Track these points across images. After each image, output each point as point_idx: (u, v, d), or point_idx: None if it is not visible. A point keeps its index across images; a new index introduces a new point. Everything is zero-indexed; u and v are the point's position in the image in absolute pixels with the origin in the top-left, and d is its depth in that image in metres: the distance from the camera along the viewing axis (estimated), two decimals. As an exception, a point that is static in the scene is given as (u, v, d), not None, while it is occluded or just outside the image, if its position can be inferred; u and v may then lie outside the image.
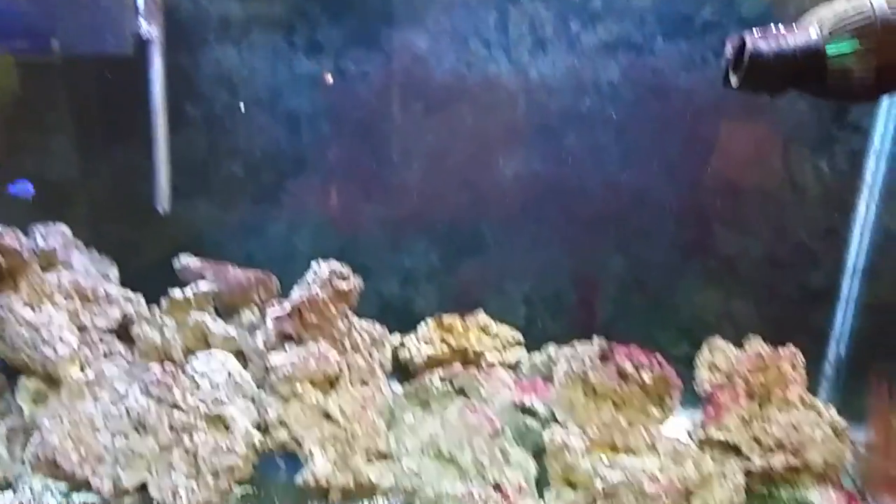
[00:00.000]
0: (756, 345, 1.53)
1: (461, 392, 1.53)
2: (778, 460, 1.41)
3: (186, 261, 1.60)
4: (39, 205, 1.65)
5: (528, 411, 1.50)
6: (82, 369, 1.42)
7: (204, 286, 1.49)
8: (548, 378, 1.58)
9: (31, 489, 1.37)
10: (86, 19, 1.49)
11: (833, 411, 1.49)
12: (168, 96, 1.63)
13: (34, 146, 1.71)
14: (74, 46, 1.51)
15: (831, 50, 1.05)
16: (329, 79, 1.71)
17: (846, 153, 1.66)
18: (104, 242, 1.68)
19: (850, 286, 1.71)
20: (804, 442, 1.42)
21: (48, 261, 1.53)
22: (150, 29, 1.58)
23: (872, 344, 1.67)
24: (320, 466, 1.37)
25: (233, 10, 1.67)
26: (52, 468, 1.37)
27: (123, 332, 1.52)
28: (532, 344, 1.73)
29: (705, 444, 1.44)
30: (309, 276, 1.51)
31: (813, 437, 1.43)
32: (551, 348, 1.69)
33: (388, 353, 1.62)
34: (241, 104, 1.69)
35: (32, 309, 1.42)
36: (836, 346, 1.74)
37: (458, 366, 1.58)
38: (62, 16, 1.51)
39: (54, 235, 1.56)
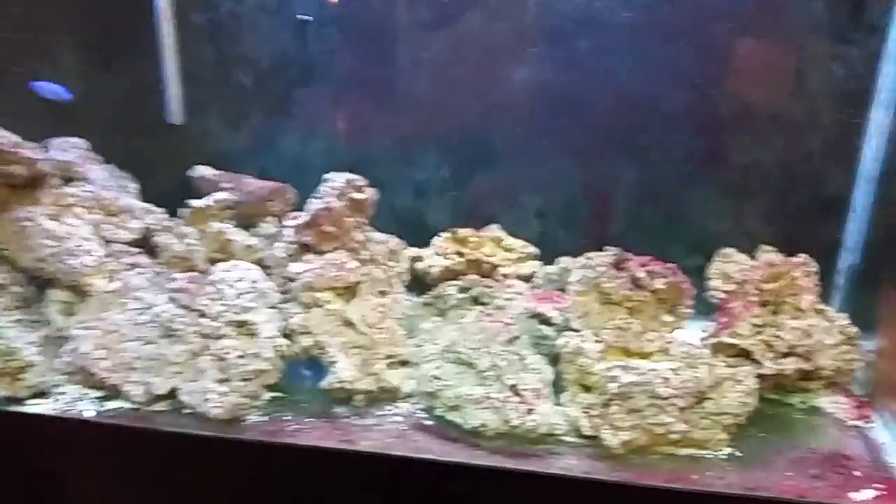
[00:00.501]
0: (768, 255, 1.55)
1: (477, 301, 1.56)
2: (789, 365, 1.44)
3: (203, 171, 1.60)
4: (51, 120, 1.64)
5: (544, 319, 1.53)
6: (109, 280, 1.45)
7: (222, 196, 1.50)
8: (562, 289, 1.61)
9: (66, 397, 1.41)
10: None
11: (845, 319, 1.51)
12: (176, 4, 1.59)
13: (43, 60, 1.69)
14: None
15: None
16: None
17: (862, 57, 1.62)
18: (118, 156, 1.68)
19: (863, 194, 1.69)
20: (815, 348, 1.45)
21: (67, 174, 1.54)
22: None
23: (885, 253, 1.67)
24: (344, 371, 1.41)
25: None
26: (86, 376, 1.42)
27: (145, 243, 1.54)
28: (546, 257, 1.75)
29: (718, 349, 1.47)
30: (324, 187, 1.52)
31: (824, 343, 1.46)
32: (565, 260, 1.71)
33: (405, 265, 1.64)
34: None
35: (56, 221, 1.44)
36: (848, 256, 1.74)
37: (474, 277, 1.60)
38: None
39: (72, 149, 1.56)
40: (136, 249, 1.53)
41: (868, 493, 1.27)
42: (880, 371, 1.54)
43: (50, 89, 1.58)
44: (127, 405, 1.41)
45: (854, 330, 1.50)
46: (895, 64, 1.61)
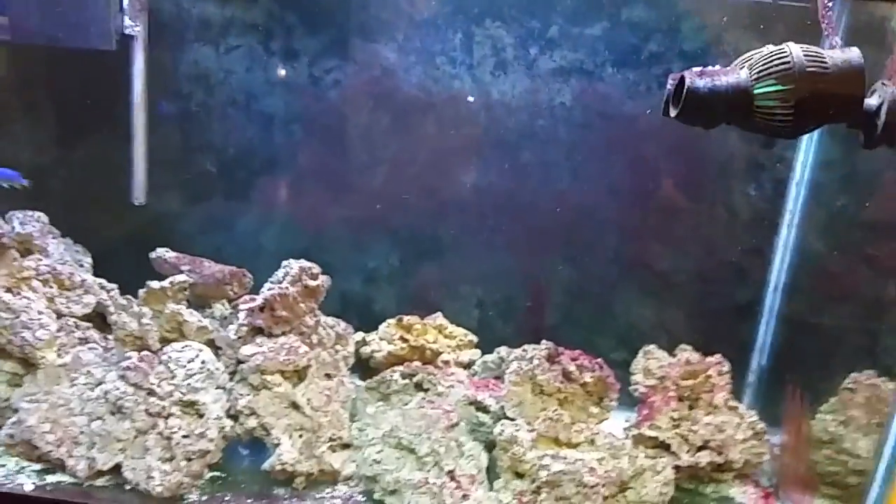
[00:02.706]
0: (686, 353, 1.69)
1: (419, 387, 1.63)
2: (704, 458, 1.56)
3: (163, 253, 1.66)
4: (17, 195, 1.69)
5: (481, 407, 1.62)
6: (59, 354, 1.47)
7: (181, 278, 1.56)
8: (499, 377, 1.71)
9: (4, 469, 1.41)
10: (71, 15, 1.54)
11: (754, 415, 1.65)
12: (149, 92, 1.69)
13: (14, 137, 1.75)
14: (59, 40, 1.56)
15: (757, 90, 1.20)
16: (303, 84, 1.81)
17: (771, 181, 1.84)
18: (79, 233, 1.73)
19: (772, 301, 1.87)
20: (727, 443, 1.58)
21: (26, 247, 1.57)
22: (134, 26, 1.64)
23: (790, 355, 1.85)
24: (287, 453, 1.45)
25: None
26: (28, 449, 1.43)
27: (99, 319, 1.57)
28: (485, 345, 1.85)
29: (639, 441, 1.59)
30: (280, 272, 1.60)
31: (735, 437, 1.59)
32: (502, 350, 1.81)
33: (352, 349, 1.71)
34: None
35: (11, 293, 1.47)
36: (759, 356, 1.90)
37: (417, 363, 1.69)
38: (48, 11, 1.56)
39: (32, 222, 1.61)
40: (87, 324, 1.56)
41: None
42: (783, 463, 1.68)
43: (3, 174, 1.64)
44: (68, 479, 1.42)
45: (761, 425, 1.64)
46: (797, 188, 1.82)
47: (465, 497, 1.41)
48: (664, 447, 1.57)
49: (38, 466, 1.44)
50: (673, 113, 1.27)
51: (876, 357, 1.72)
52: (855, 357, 1.70)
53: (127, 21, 1.64)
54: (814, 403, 1.63)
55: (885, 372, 1.63)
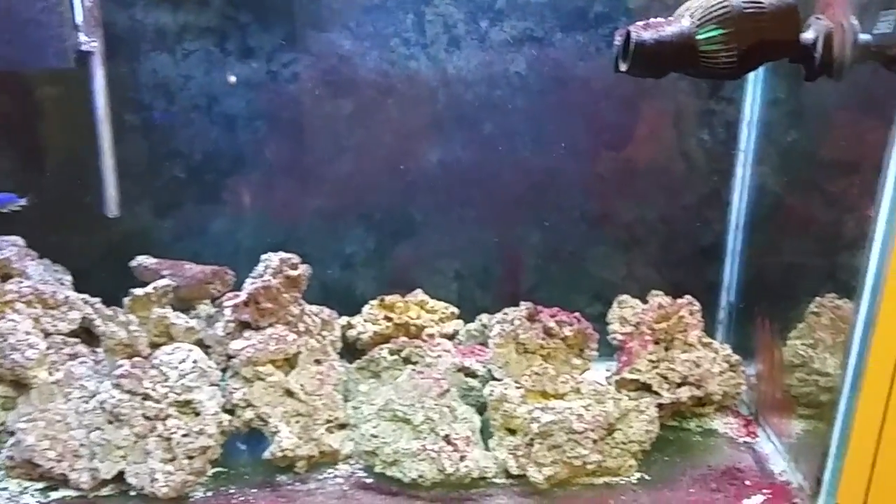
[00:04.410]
0: (658, 298, 1.76)
1: (408, 361, 1.68)
2: (684, 393, 1.63)
3: (142, 260, 1.68)
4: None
5: (469, 372, 1.67)
6: (50, 372, 1.49)
7: (164, 282, 1.59)
8: (483, 343, 1.77)
9: (6, 493, 1.43)
10: (26, 36, 1.54)
11: (728, 349, 1.73)
12: (111, 105, 1.71)
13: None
14: (16, 62, 1.56)
15: (700, 36, 1.26)
16: (264, 81, 1.83)
17: (722, 124, 1.91)
18: (56, 251, 1.75)
19: (734, 240, 1.95)
20: (705, 376, 1.65)
21: (5, 271, 1.59)
22: (90, 42, 1.64)
23: (756, 289, 1.92)
24: (286, 440, 1.49)
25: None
26: (29, 468, 1.45)
27: (84, 334, 1.60)
28: (466, 315, 1.91)
29: (621, 385, 1.66)
30: (261, 266, 1.64)
31: (712, 371, 1.66)
32: (483, 317, 1.87)
33: (338, 334, 1.75)
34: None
35: (-3, 318, 1.48)
36: (727, 294, 1.98)
37: (403, 339, 1.73)
38: (0, 34, 1.55)
39: (8, 247, 1.62)
40: (75, 340, 1.58)
41: (758, 499, 1.47)
42: (760, 392, 1.77)
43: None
44: (72, 493, 1.45)
45: (736, 358, 1.72)
46: (748, 129, 1.89)
47: (462, 458, 1.46)
48: (646, 388, 1.63)
49: (41, 485, 1.46)
50: (623, 67, 1.32)
51: (837, 280, 1.79)
52: (818, 283, 1.77)
53: (83, 37, 1.64)
54: (784, 331, 1.70)
55: (846, 293, 1.71)
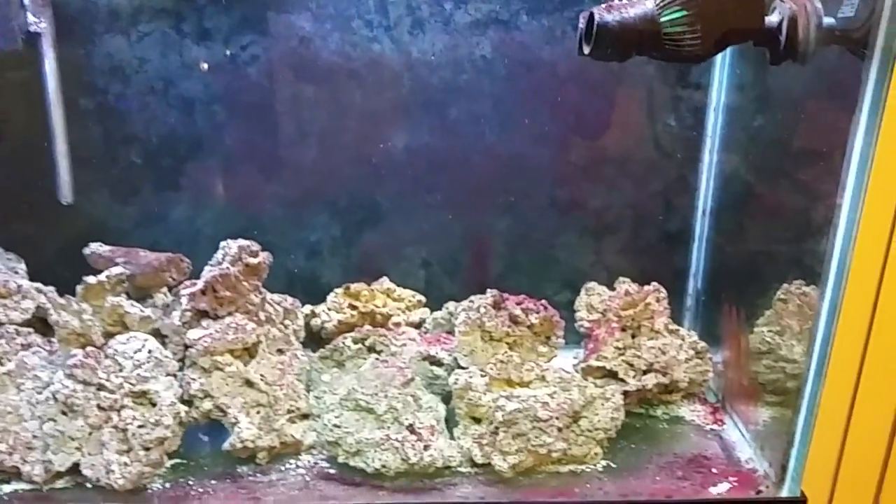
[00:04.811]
0: (625, 285, 1.75)
1: (372, 350, 1.66)
2: (650, 381, 1.63)
3: (96, 248, 1.64)
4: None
5: (435, 361, 1.65)
6: (1, 363, 1.45)
7: (117, 270, 1.55)
8: (450, 332, 1.75)
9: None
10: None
11: (694, 336, 1.72)
12: (63, 88, 1.65)
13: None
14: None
15: (664, 18, 1.24)
16: (221, 64, 1.79)
17: (689, 109, 1.89)
18: (8, 240, 1.69)
19: (701, 226, 1.94)
20: (671, 363, 1.65)
21: (-47, 261, 1.54)
22: (39, 23, 1.59)
23: (723, 276, 1.92)
24: (246, 430, 1.47)
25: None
26: (-22, 462, 1.41)
27: (39, 324, 1.55)
28: (433, 303, 1.89)
29: (587, 372, 1.64)
30: (219, 254, 1.60)
31: (678, 358, 1.66)
32: (450, 305, 1.85)
33: (301, 322, 1.73)
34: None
35: (-56, 309, 1.44)
36: (694, 281, 1.98)
37: (367, 328, 1.71)
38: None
39: (-44, 235, 1.57)
40: (28, 329, 1.53)
41: (724, 487, 1.46)
42: (727, 378, 1.77)
43: None
44: (25, 486, 1.41)
45: (702, 345, 1.72)
46: (715, 114, 1.88)
47: (426, 447, 1.44)
48: (612, 375, 1.63)
49: (-7, 479, 1.42)
50: (587, 50, 1.30)
51: (804, 267, 1.80)
52: (786, 269, 1.77)
53: (31, 18, 1.58)
54: (751, 318, 1.70)
55: (813, 280, 1.71)
